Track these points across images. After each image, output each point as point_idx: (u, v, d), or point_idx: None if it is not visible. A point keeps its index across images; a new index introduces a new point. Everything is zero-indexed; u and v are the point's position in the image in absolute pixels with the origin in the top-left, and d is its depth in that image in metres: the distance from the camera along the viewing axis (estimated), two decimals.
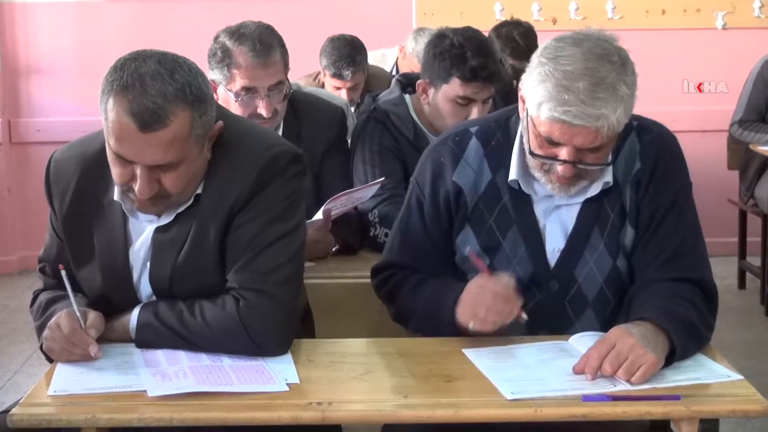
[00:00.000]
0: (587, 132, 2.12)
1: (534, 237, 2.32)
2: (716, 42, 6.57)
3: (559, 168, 2.19)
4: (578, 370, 1.99)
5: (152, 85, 1.98)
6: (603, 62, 2.11)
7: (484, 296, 2.15)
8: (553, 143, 2.17)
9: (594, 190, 2.28)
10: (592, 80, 2.09)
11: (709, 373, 2.01)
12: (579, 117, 2.09)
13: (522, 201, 2.32)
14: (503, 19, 6.36)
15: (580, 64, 2.11)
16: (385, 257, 2.48)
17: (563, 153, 2.17)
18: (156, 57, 2.03)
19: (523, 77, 2.22)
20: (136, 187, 2.05)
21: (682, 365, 2.04)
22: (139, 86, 1.98)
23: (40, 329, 2.19)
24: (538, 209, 2.33)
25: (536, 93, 2.14)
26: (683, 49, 6.53)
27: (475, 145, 2.37)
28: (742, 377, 1.98)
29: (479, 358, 2.10)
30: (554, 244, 2.32)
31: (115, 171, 2.07)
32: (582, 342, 2.14)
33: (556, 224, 2.32)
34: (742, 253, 5.82)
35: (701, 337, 2.14)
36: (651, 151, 2.31)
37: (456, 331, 2.21)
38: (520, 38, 5.20)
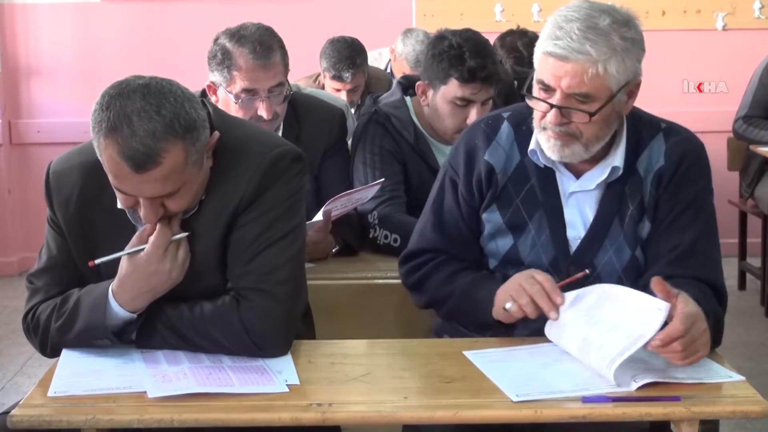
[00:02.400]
0: (574, 71, 2.17)
1: (558, 222, 2.35)
2: (716, 43, 6.58)
3: (549, 116, 2.23)
4: (658, 339, 1.95)
5: (140, 125, 1.95)
6: (603, 13, 2.20)
7: (529, 287, 2.18)
8: (546, 88, 2.23)
9: (603, 175, 2.31)
10: (586, 23, 2.18)
11: (710, 373, 2.01)
12: (563, 49, 2.17)
13: (549, 185, 2.36)
14: (503, 20, 6.39)
15: (579, 10, 2.20)
16: (417, 242, 2.50)
17: (553, 98, 2.22)
18: (140, 91, 1.98)
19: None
20: (141, 214, 2.06)
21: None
22: (127, 128, 1.95)
23: (66, 324, 2.14)
24: (563, 194, 2.36)
25: (540, 40, 2.23)
26: (683, 49, 6.53)
27: (507, 129, 2.42)
28: (742, 378, 1.98)
29: (482, 360, 2.10)
30: (574, 231, 2.35)
31: (119, 197, 2.08)
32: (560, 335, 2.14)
33: (575, 212, 2.36)
34: (743, 254, 5.83)
35: (718, 339, 2.15)
36: (676, 151, 2.34)
37: (489, 321, 2.26)
38: (523, 48, 5.17)
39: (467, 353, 2.13)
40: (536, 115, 2.29)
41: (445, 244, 2.44)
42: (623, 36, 2.18)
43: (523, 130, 2.40)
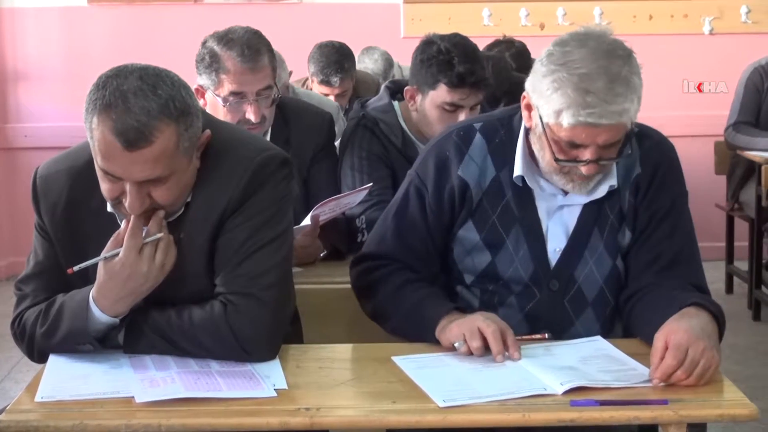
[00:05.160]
0: (610, 128, 2.14)
1: (536, 236, 2.33)
2: (704, 47, 6.60)
3: (583, 169, 2.20)
4: (653, 376, 1.97)
5: (135, 102, 1.96)
6: (612, 58, 2.14)
7: (486, 327, 2.12)
8: (575, 146, 2.18)
9: (601, 192, 2.30)
10: (609, 77, 2.11)
11: (638, 377, 2.01)
12: (605, 116, 2.11)
13: (526, 199, 2.34)
14: (491, 24, 6.41)
15: (593, 65, 2.12)
16: (374, 248, 2.44)
17: (586, 153, 2.18)
18: (137, 72, 2.01)
19: (529, 86, 2.23)
20: (127, 203, 2.04)
21: (610, 369, 2.05)
22: (122, 104, 1.96)
23: (50, 330, 2.13)
24: (541, 209, 2.34)
25: (553, 101, 2.14)
26: (672, 54, 6.55)
27: (480, 141, 2.38)
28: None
29: (409, 366, 2.09)
30: (555, 244, 2.34)
31: (105, 187, 2.06)
32: None
33: (558, 225, 2.34)
34: (730, 258, 5.85)
35: (721, 332, 2.16)
36: (651, 157, 2.34)
37: (432, 341, 2.21)
38: (511, 60, 5.20)
39: (395, 358, 2.13)
40: (553, 164, 2.22)
41: (403, 253, 2.39)
42: (636, 73, 2.15)
43: (496, 142, 2.37)
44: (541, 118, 2.20)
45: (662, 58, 6.51)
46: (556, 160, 2.20)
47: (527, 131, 2.31)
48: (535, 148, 2.28)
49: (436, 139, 2.47)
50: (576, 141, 2.16)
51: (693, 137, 6.38)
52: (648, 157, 2.34)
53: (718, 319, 2.12)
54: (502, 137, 2.37)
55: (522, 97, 2.28)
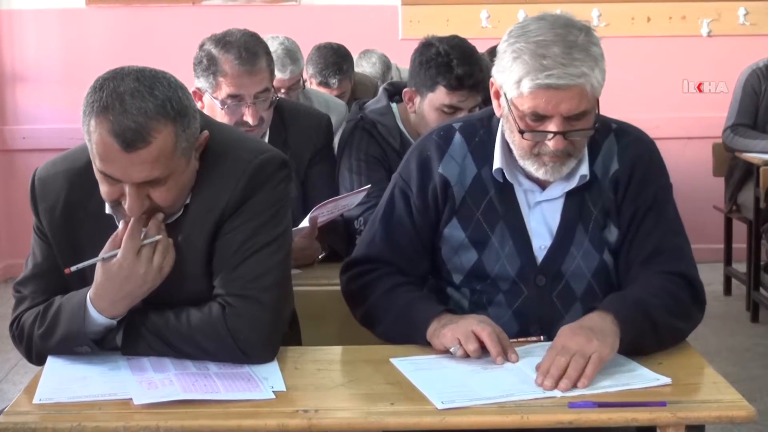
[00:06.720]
0: (572, 95, 2.14)
1: (520, 233, 2.34)
2: (702, 49, 6.61)
3: (550, 143, 2.20)
4: (540, 382, 1.98)
5: (132, 103, 1.97)
6: (570, 28, 2.17)
7: (481, 330, 2.12)
8: (539, 118, 2.19)
9: (572, 183, 2.31)
10: (565, 44, 2.14)
11: (637, 379, 2.01)
12: (562, 77, 2.12)
13: (508, 197, 2.34)
14: (489, 26, 6.42)
15: (550, 32, 2.16)
16: (363, 251, 2.45)
17: (551, 125, 2.18)
18: (134, 74, 2.02)
19: (494, 70, 2.26)
20: (126, 205, 2.04)
21: (609, 371, 2.04)
22: (119, 106, 1.96)
23: (48, 331, 2.13)
24: (522, 205, 2.35)
25: (513, 71, 2.17)
26: (670, 56, 6.56)
27: (459, 140, 2.39)
28: (668, 380, 1.99)
29: (408, 368, 2.09)
30: (540, 240, 2.34)
31: (104, 189, 2.07)
32: None
33: (540, 221, 2.35)
34: (728, 260, 5.86)
35: (664, 317, 2.15)
36: (628, 153, 2.35)
37: (422, 344, 2.21)
38: None
39: (393, 360, 2.13)
40: (523, 144, 2.24)
41: (392, 255, 2.40)
42: (596, 44, 2.18)
43: (476, 141, 2.38)
44: (506, 96, 2.22)
45: (660, 60, 6.53)
46: (521, 131, 2.21)
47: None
48: (507, 135, 2.30)
49: (417, 142, 2.49)
50: (539, 111, 2.17)
51: (689, 139, 6.39)
52: (625, 152, 2.34)
53: (619, 317, 2.10)
54: (482, 136, 2.38)
55: (490, 84, 2.30)
